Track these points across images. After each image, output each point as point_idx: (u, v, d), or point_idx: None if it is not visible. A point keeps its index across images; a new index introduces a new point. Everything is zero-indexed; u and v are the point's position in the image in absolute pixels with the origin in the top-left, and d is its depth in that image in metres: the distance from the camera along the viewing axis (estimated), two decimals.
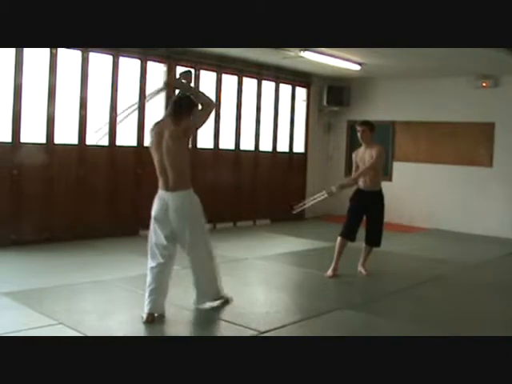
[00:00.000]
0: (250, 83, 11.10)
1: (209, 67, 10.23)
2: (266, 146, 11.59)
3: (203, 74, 10.19)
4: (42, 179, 8.28)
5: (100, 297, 6.00)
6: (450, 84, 11.42)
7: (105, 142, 8.93)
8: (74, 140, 8.61)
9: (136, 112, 9.24)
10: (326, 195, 7.25)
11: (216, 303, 5.65)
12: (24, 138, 8.04)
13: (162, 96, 9.59)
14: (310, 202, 7.94)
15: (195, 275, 5.51)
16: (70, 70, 8.43)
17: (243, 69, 10.82)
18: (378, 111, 11.93)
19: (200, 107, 5.33)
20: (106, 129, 6.17)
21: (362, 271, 7.37)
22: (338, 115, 12.87)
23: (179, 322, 5.31)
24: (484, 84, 11.00)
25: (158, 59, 9.52)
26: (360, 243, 7.37)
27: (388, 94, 12.29)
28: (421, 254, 9.08)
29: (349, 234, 7.18)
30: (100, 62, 8.76)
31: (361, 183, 7.23)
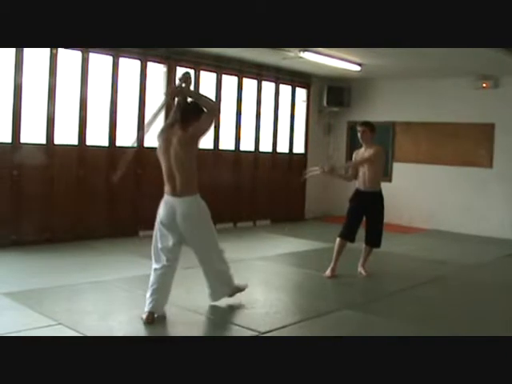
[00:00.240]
0: (249, 84, 11.10)
1: (208, 68, 10.23)
2: (265, 146, 11.59)
3: (203, 74, 10.19)
4: (42, 180, 8.28)
5: (100, 297, 6.00)
6: (450, 85, 11.42)
7: (105, 142, 8.94)
8: (74, 141, 8.60)
9: (136, 112, 9.28)
10: (318, 171, 7.24)
11: (232, 296, 5.77)
12: (24, 139, 8.04)
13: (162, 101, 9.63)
14: (308, 174, 8.35)
15: (207, 276, 5.59)
16: (70, 70, 8.43)
17: (243, 69, 10.82)
18: (378, 112, 11.92)
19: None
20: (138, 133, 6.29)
21: (362, 272, 7.36)
22: (338, 116, 12.87)
23: (179, 323, 5.30)
24: (484, 85, 11.00)
25: (158, 60, 9.52)
26: (360, 244, 7.37)
27: (388, 94, 12.29)
28: (420, 254, 9.08)
29: (348, 235, 7.18)
30: (100, 62, 8.76)
31: (360, 184, 7.23)
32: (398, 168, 12.20)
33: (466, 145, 11.37)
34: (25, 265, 7.19)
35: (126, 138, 9.21)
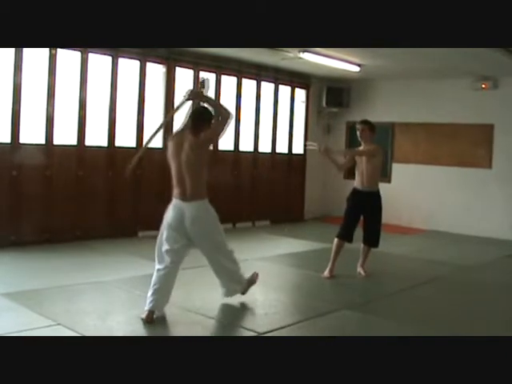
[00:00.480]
0: (249, 84, 11.10)
1: (208, 68, 10.23)
2: (265, 147, 11.59)
3: (202, 75, 10.17)
4: (41, 180, 8.27)
5: (99, 298, 5.99)
6: (449, 85, 11.43)
7: (104, 142, 8.94)
8: (73, 141, 8.60)
9: (135, 113, 9.28)
10: (315, 147, 7.29)
11: (245, 293, 5.92)
12: (23, 139, 8.03)
13: (162, 101, 9.64)
14: (308, 146, 8.40)
15: (218, 276, 5.73)
16: (70, 70, 8.43)
17: (242, 70, 10.82)
18: (377, 112, 11.91)
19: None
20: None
21: (362, 272, 7.36)
22: (337, 116, 12.87)
23: (178, 323, 5.30)
24: (483, 85, 11.00)
25: (158, 60, 9.52)
26: (358, 244, 7.37)
27: (387, 95, 12.29)
28: (420, 255, 9.09)
29: (346, 236, 7.18)
30: (99, 63, 8.76)
31: (358, 183, 7.22)
32: (398, 169, 12.20)
33: (465, 145, 11.38)
34: (24, 265, 7.19)
35: (125, 138, 9.23)
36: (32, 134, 8.15)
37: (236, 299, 5.87)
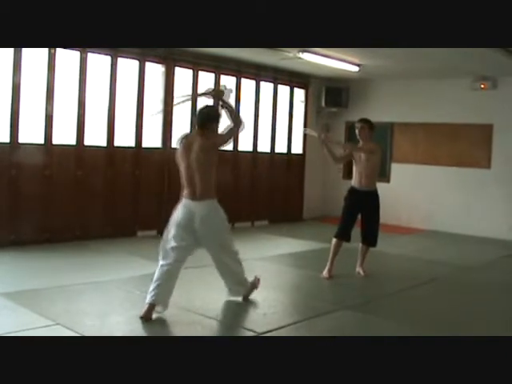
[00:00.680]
0: (248, 84, 11.10)
1: (207, 68, 10.22)
2: (264, 147, 11.59)
3: (201, 74, 10.18)
4: (40, 180, 8.27)
5: (98, 298, 5.99)
6: (448, 85, 11.43)
7: (103, 142, 8.93)
8: (72, 141, 8.59)
9: (134, 113, 9.27)
10: (315, 134, 7.46)
11: (247, 297, 5.98)
12: (22, 139, 8.02)
13: (159, 101, 9.63)
14: (307, 131, 8.81)
15: (222, 276, 5.81)
16: (69, 70, 8.42)
17: (241, 70, 10.82)
18: (376, 112, 11.90)
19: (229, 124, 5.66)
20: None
21: (361, 272, 7.36)
22: (336, 116, 12.87)
23: (177, 323, 5.30)
24: (482, 85, 11.00)
25: (157, 60, 9.52)
26: (357, 244, 7.37)
27: (386, 95, 12.30)
28: (419, 255, 9.09)
29: (344, 235, 7.18)
30: (98, 62, 8.75)
31: (356, 183, 7.21)
32: (397, 169, 12.20)
33: (464, 146, 11.38)
34: (23, 265, 7.19)
35: (124, 138, 9.23)
36: (31, 133, 8.14)
37: (236, 299, 5.88)
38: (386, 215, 9.99)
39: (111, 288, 6.27)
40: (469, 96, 11.19)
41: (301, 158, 12.52)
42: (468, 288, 7.23)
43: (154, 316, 5.23)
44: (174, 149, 9.68)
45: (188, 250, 5.48)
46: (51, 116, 8.26)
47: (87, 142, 8.74)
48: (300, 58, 9.50)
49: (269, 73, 11.36)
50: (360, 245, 7.38)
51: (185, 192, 5.47)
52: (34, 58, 8.02)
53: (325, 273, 7.18)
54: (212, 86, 7.36)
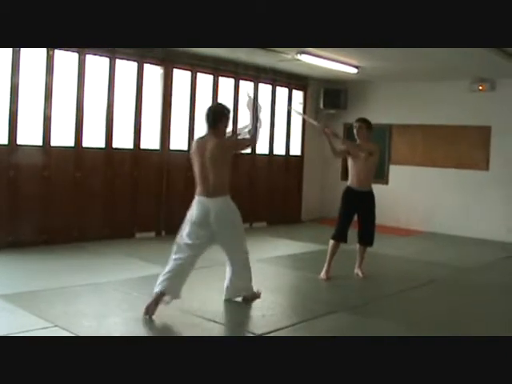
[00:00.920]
0: (246, 86, 11.09)
1: (205, 70, 10.23)
2: (262, 148, 11.58)
3: (199, 76, 10.18)
4: (38, 181, 8.26)
5: (96, 299, 5.98)
6: (446, 87, 11.44)
7: (101, 144, 8.93)
8: (71, 142, 8.59)
9: (132, 114, 9.28)
10: (314, 122, 7.65)
11: (250, 300, 5.98)
12: (20, 140, 8.02)
13: (159, 103, 9.63)
14: (306, 117, 9.20)
15: (232, 272, 5.83)
16: (67, 72, 8.42)
17: (239, 71, 10.82)
18: (374, 114, 11.86)
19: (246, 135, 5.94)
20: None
21: (359, 273, 7.36)
22: (334, 118, 12.85)
23: (176, 324, 5.31)
24: (480, 87, 11.01)
25: (155, 61, 9.51)
26: (355, 245, 7.38)
27: (385, 97, 12.30)
28: (417, 257, 9.09)
29: (341, 237, 7.19)
30: (97, 64, 8.75)
31: (353, 183, 7.20)
32: (395, 170, 12.20)
33: (462, 148, 11.39)
34: (21, 267, 7.18)
35: (123, 139, 9.22)
36: (29, 135, 8.13)
37: (234, 301, 5.87)
38: (385, 217, 9.98)
39: (109, 290, 6.26)
40: (467, 98, 11.20)
41: (299, 159, 12.53)
42: (467, 290, 7.23)
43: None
44: (172, 151, 9.82)
45: (202, 247, 5.58)
46: (49, 117, 8.25)
47: (85, 143, 8.73)
48: (298, 59, 9.51)
49: (267, 74, 11.36)
50: (357, 245, 7.39)
51: (198, 189, 5.59)
52: (33, 59, 8.02)
53: (323, 274, 7.18)
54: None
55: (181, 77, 9.94)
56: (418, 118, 11.84)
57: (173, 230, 9.68)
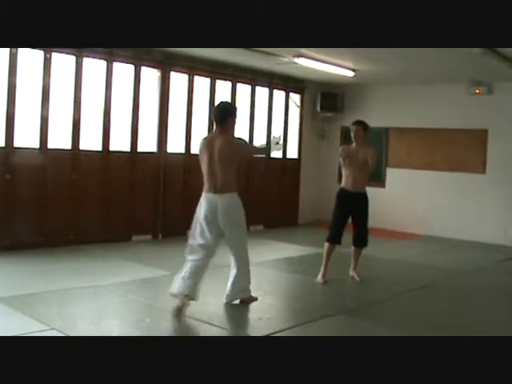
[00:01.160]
0: (243, 89, 11.10)
1: (202, 73, 10.23)
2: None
3: (197, 79, 10.19)
4: (35, 184, 8.25)
5: (93, 302, 5.98)
6: (443, 90, 11.46)
7: (98, 147, 8.93)
8: (68, 145, 8.58)
9: (130, 117, 9.29)
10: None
11: (247, 303, 5.99)
12: (17, 143, 8.01)
13: (156, 106, 9.64)
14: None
15: (235, 270, 5.86)
16: (64, 75, 8.41)
17: (237, 74, 10.82)
18: (371, 117, 11.84)
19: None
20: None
21: (355, 277, 7.36)
22: (331, 121, 12.88)
23: (172, 327, 5.30)
24: (477, 91, 11.03)
25: (152, 64, 9.52)
26: (350, 248, 7.38)
27: (382, 100, 12.32)
28: (414, 260, 9.09)
29: (336, 239, 7.20)
30: (94, 67, 8.75)
31: (348, 185, 7.20)
32: (392, 174, 12.21)
33: (459, 151, 11.40)
34: (18, 269, 7.17)
35: (120, 142, 9.23)
36: (26, 137, 8.13)
37: (231, 304, 5.88)
38: (382, 220, 9.99)
39: (106, 293, 6.25)
40: (464, 101, 11.22)
41: (296, 162, 12.53)
42: (464, 292, 7.22)
43: (150, 318, 5.23)
44: (170, 153, 9.82)
45: (214, 244, 5.66)
46: (47, 120, 8.25)
47: (83, 146, 8.73)
48: (295, 62, 9.51)
49: (264, 78, 11.38)
50: (352, 248, 7.39)
51: (206, 186, 5.66)
52: (30, 61, 8.01)
53: (319, 278, 7.18)
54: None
55: (178, 80, 9.95)
56: (415, 121, 11.85)
57: (169, 233, 9.81)
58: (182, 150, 10.05)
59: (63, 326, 5.01)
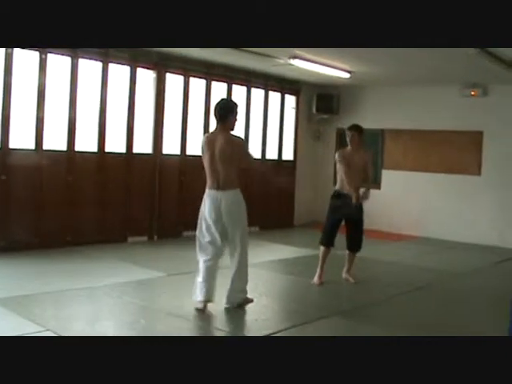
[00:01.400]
0: (239, 90, 11.10)
1: (198, 74, 10.24)
2: (254, 153, 11.57)
3: (192, 80, 10.19)
4: (31, 185, 8.24)
5: (88, 303, 5.98)
6: (438, 92, 11.48)
7: (94, 148, 8.92)
8: (63, 146, 8.57)
9: (125, 118, 9.28)
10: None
11: (243, 304, 5.95)
12: (13, 144, 8.00)
13: (152, 107, 9.64)
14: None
15: (235, 269, 5.85)
16: (60, 76, 8.41)
17: (232, 76, 10.83)
18: (367, 119, 11.91)
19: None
20: None
21: (350, 279, 7.35)
22: (327, 123, 12.89)
23: (168, 329, 5.28)
24: (472, 93, 11.05)
25: (148, 66, 9.51)
26: (345, 252, 7.39)
27: (377, 102, 12.33)
28: (409, 261, 9.10)
29: (329, 242, 7.22)
30: (89, 68, 8.74)
31: (341, 187, 7.21)
32: (387, 175, 12.23)
33: (454, 152, 11.43)
34: (13, 271, 7.15)
35: (116, 143, 9.22)
36: (22, 138, 8.12)
37: (226, 306, 5.87)
38: (378, 222, 9.99)
39: (101, 294, 6.24)
40: (459, 103, 11.25)
41: (292, 164, 12.54)
42: (458, 295, 7.23)
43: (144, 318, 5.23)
44: (165, 155, 9.81)
45: (221, 240, 5.72)
46: (42, 121, 8.24)
47: (78, 147, 8.72)
48: (291, 64, 9.51)
49: (260, 79, 11.38)
50: (347, 252, 7.38)
51: (208, 183, 5.73)
52: (25, 62, 8.00)
53: (315, 279, 7.18)
54: None
55: (173, 81, 9.95)
56: (410, 122, 11.87)
57: (165, 234, 9.82)
58: (178, 152, 10.04)
59: (58, 327, 5.00)
